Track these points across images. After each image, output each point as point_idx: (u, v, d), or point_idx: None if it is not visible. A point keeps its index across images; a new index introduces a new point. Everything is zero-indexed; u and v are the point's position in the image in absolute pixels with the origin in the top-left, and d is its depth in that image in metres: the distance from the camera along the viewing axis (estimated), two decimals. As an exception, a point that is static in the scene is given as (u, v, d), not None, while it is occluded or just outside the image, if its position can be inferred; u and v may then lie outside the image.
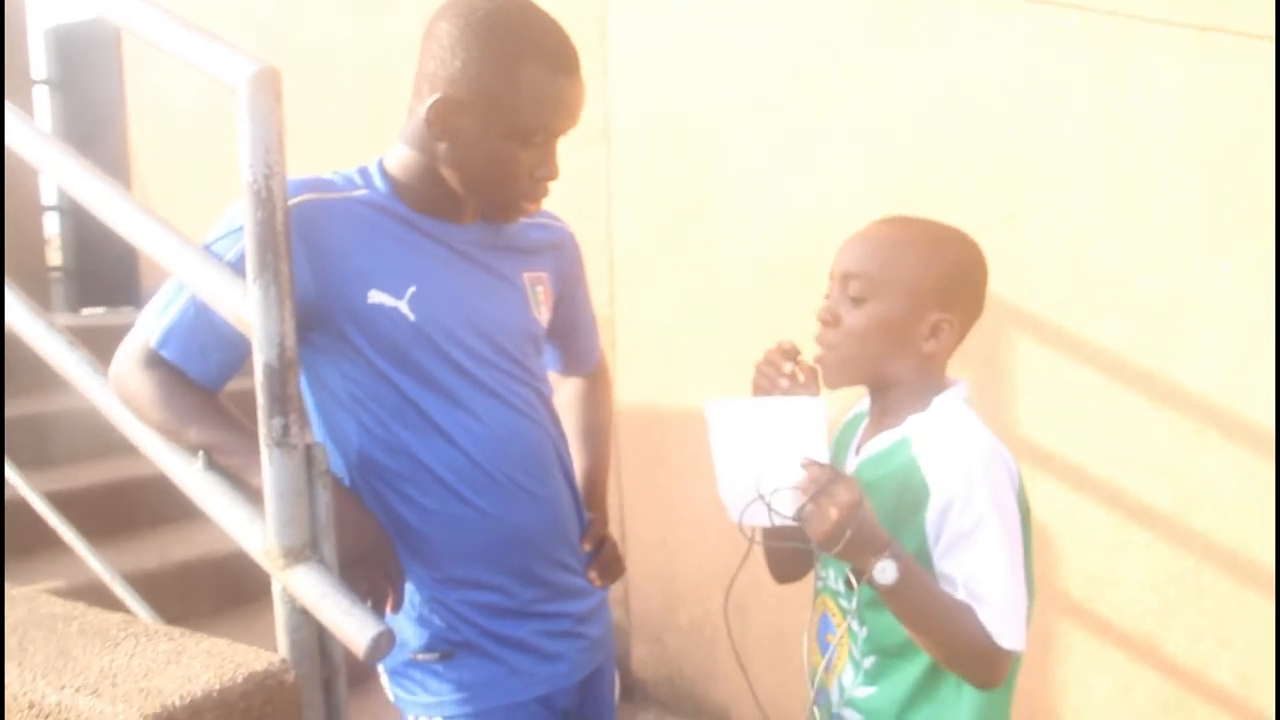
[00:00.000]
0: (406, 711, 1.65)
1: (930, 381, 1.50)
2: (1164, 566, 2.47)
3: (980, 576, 1.36)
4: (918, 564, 1.35)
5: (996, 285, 2.49)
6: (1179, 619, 2.46)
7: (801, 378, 1.53)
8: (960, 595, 1.37)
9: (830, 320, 1.49)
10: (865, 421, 1.58)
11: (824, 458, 1.34)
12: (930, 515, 1.39)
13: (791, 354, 1.54)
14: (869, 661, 1.49)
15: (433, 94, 1.52)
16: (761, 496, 1.33)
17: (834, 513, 1.26)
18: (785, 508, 1.32)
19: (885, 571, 1.29)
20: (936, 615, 1.36)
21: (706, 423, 1.41)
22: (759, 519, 1.35)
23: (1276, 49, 2.21)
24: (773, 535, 1.46)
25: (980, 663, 1.37)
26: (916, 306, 1.46)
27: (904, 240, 1.49)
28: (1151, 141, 2.39)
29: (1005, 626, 1.35)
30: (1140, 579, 2.51)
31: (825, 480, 1.28)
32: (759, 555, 1.49)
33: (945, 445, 1.42)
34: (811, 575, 1.64)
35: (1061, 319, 2.56)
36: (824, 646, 1.56)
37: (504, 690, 1.63)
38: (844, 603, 1.51)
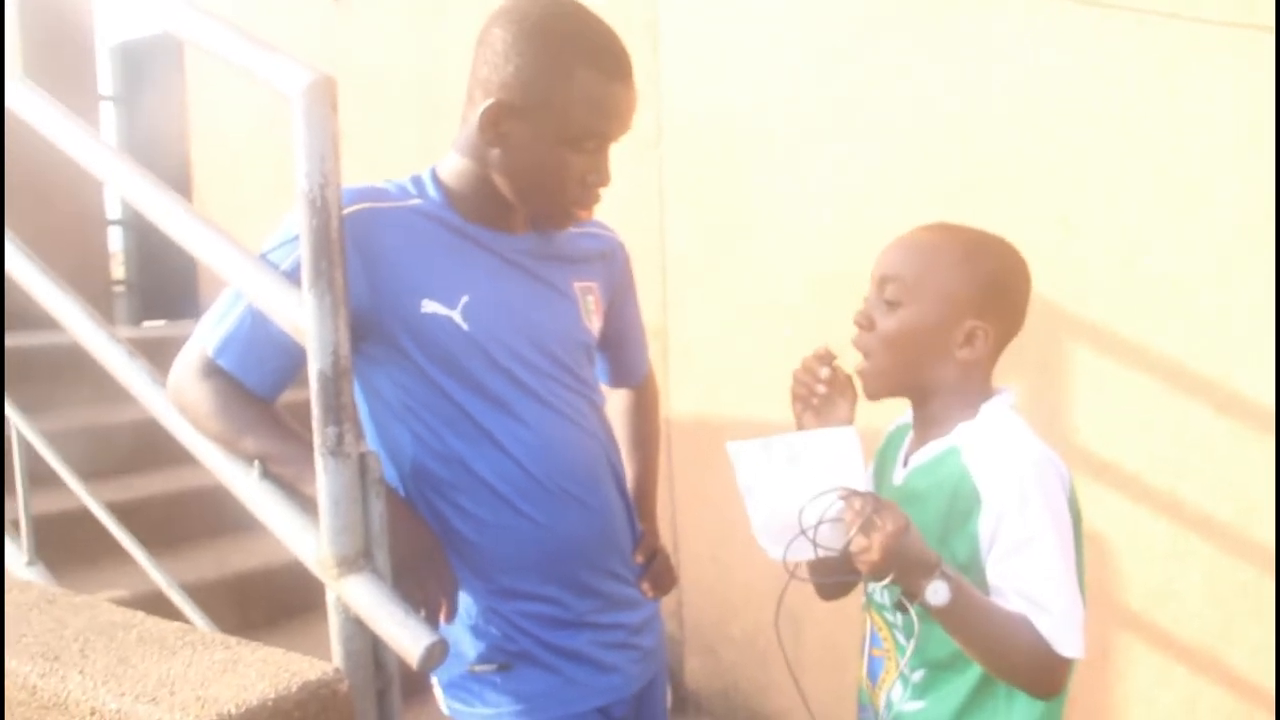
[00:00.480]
0: (463, 723, 1.65)
1: (975, 389, 1.48)
2: (1226, 578, 2.42)
3: (1038, 585, 1.34)
4: (967, 579, 1.33)
5: (1051, 291, 2.48)
6: (1242, 632, 2.41)
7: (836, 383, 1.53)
8: (1014, 604, 1.35)
9: (865, 324, 1.49)
10: (911, 432, 1.56)
11: (862, 486, 1.34)
12: (983, 524, 1.37)
13: (827, 359, 1.53)
14: (918, 675, 1.47)
15: (485, 99, 1.52)
16: (804, 532, 1.32)
17: (883, 543, 1.25)
18: (830, 541, 1.32)
19: (937, 593, 1.28)
20: (992, 629, 1.34)
21: (732, 464, 1.41)
22: (803, 553, 1.34)
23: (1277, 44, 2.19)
24: (817, 568, 1.45)
25: (1039, 672, 1.36)
26: (951, 312, 1.45)
27: (941, 246, 1.48)
28: (1209, 144, 2.35)
29: (1065, 634, 1.33)
30: (1202, 591, 2.46)
31: (870, 511, 1.27)
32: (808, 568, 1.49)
33: (996, 453, 1.40)
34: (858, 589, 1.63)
35: (1119, 325, 2.52)
36: (871, 660, 1.55)
37: (562, 701, 1.62)
38: (889, 616, 1.49)
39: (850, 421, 1.52)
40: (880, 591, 1.50)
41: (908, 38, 2.84)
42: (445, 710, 1.67)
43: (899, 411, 1.61)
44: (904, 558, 1.27)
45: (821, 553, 1.32)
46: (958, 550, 1.39)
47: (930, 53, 2.79)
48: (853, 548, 1.28)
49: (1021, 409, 1.50)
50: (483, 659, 1.60)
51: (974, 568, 1.38)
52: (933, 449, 1.48)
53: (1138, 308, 2.48)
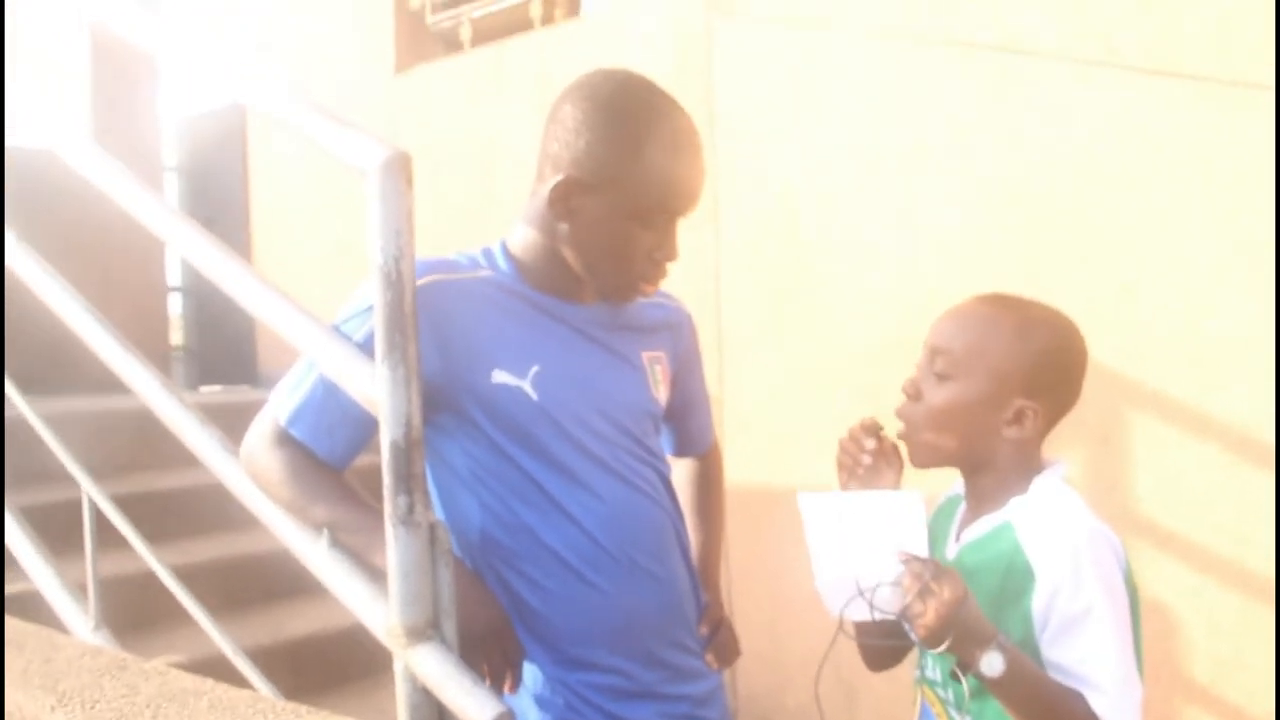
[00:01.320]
0: (527, 794, 1.63)
1: (1027, 463, 1.46)
2: (1297, 650, 2.37)
3: (1092, 663, 1.31)
4: (1023, 653, 1.31)
5: (1112, 358, 2.47)
6: (1315, 707, 2.35)
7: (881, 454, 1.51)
8: (1068, 682, 1.32)
9: (912, 394, 1.47)
10: (963, 506, 1.54)
11: (924, 552, 1.32)
12: (1037, 601, 1.35)
13: (873, 430, 1.52)
14: None
15: (555, 175, 1.55)
16: (862, 593, 1.31)
17: (940, 610, 1.24)
18: (887, 604, 1.31)
19: (992, 664, 1.26)
20: (1046, 705, 1.31)
21: (801, 516, 1.40)
22: (860, 614, 1.33)
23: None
24: (871, 630, 1.44)
25: None
26: (999, 391, 1.42)
27: (994, 320, 1.45)
28: (1271, 208, 2.33)
29: (1120, 715, 1.30)
30: (1270, 664, 2.40)
31: (929, 577, 1.26)
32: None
33: (1049, 528, 1.38)
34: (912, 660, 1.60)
35: (1181, 392, 2.50)
36: None
37: None
38: (941, 692, 1.47)
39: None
40: (932, 666, 1.48)
41: (966, 106, 2.85)
42: (508, 781, 1.66)
43: (951, 479, 1.59)
44: (960, 626, 1.25)
45: (878, 615, 1.31)
46: (1012, 629, 1.36)
47: (989, 120, 2.81)
48: (909, 613, 1.27)
49: (1083, 477, 1.48)
50: None
51: (1029, 646, 1.35)
52: (985, 525, 1.46)
53: (1200, 374, 2.46)
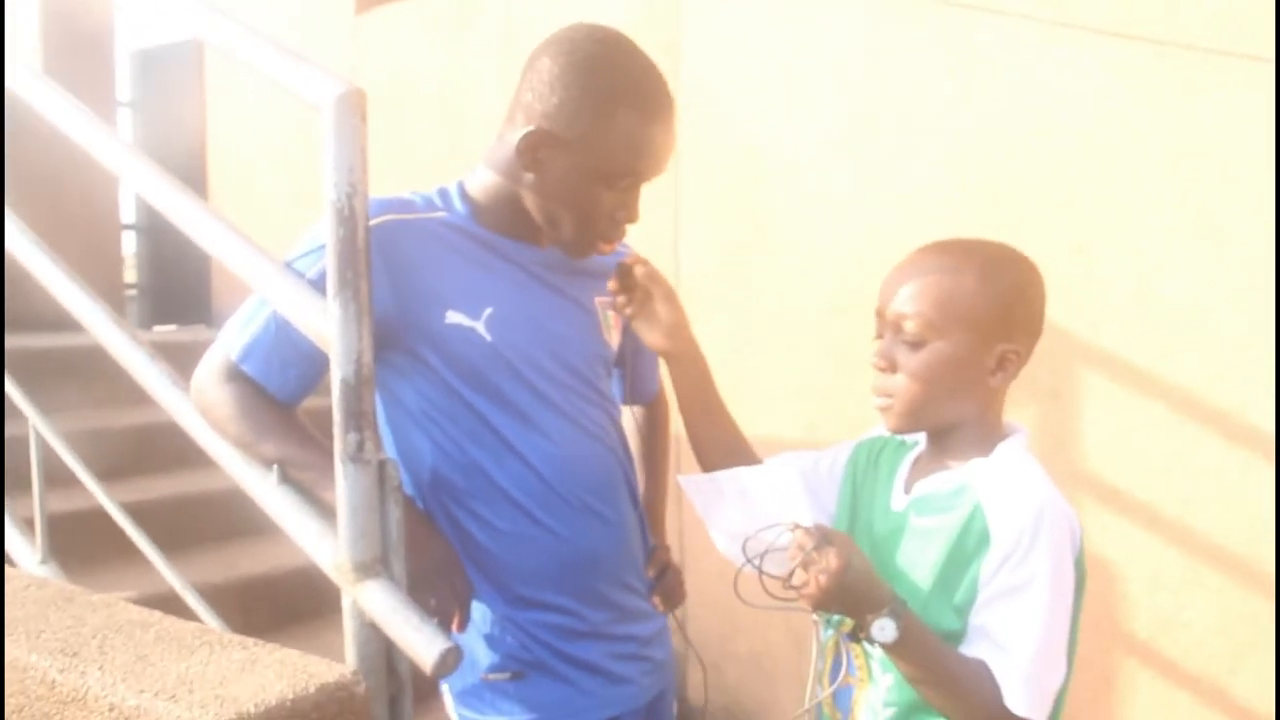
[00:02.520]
0: (475, 731, 1.65)
1: (992, 421, 1.43)
2: (1235, 609, 2.42)
3: (1013, 633, 1.29)
4: (922, 621, 1.29)
5: (1065, 317, 2.49)
6: (1249, 662, 2.41)
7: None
8: (980, 649, 1.30)
9: (887, 367, 1.41)
10: (914, 455, 1.51)
11: (807, 518, 1.32)
12: (986, 566, 1.32)
13: (624, 273, 1.59)
14: (888, 713, 1.41)
15: (527, 125, 1.54)
16: (749, 561, 1.33)
17: (821, 581, 1.23)
18: (776, 570, 1.32)
19: (884, 630, 1.25)
20: (945, 673, 1.30)
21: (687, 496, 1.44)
22: (754, 574, 1.34)
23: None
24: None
25: None
26: (981, 341, 1.37)
27: (954, 270, 1.38)
28: (1226, 174, 2.36)
29: (1023, 690, 1.27)
30: (1210, 621, 2.46)
31: (811, 546, 1.25)
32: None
33: (1011, 495, 1.34)
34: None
35: (1131, 353, 2.53)
36: (845, 689, 1.49)
37: (574, 711, 1.63)
38: (868, 647, 1.42)
39: (676, 315, 1.59)
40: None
41: (927, 63, 2.85)
42: (455, 718, 1.68)
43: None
44: (847, 593, 1.24)
45: (768, 579, 1.32)
46: (957, 591, 1.34)
47: (949, 79, 2.81)
48: (794, 581, 1.27)
49: (1032, 433, 1.47)
50: (496, 667, 1.61)
51: (969, 609, 1.34)
52: (941, 482, 1.42)
53: (1151, 336, 2.49)
